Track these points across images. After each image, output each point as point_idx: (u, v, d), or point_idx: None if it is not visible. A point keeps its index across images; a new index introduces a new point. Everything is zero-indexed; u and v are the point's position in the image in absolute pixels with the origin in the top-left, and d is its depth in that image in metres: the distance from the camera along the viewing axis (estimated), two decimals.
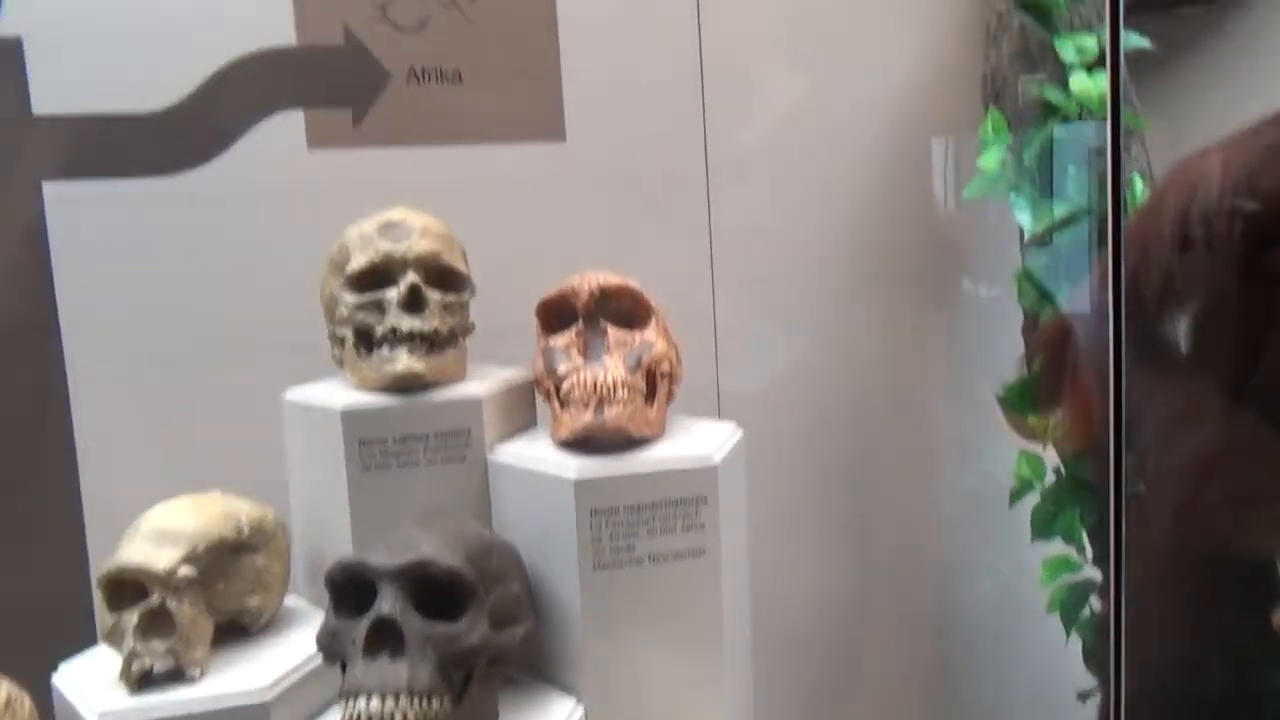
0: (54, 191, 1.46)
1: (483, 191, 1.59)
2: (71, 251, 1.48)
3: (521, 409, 1.30)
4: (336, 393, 1.21)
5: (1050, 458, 1.59)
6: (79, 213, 1.48)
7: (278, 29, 1.48)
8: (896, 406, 1.93)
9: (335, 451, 1.16)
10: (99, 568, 1.04)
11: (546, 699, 1.11)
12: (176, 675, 1.03)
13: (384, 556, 0.97)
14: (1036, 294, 1.49)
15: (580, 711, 1.09)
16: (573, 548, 1.08)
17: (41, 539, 1.53)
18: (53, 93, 1.45)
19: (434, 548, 0.98)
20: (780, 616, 1.76)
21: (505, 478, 1.17)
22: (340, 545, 1.17)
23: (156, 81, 1.47)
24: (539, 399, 1.26)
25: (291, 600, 1.23)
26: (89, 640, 1.27)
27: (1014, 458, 1.60)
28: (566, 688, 1.12)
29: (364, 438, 1.16)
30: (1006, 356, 1.67)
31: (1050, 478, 1.56)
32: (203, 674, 1.04)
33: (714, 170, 1.71)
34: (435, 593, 0.97)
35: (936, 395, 1.95)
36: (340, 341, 1.25)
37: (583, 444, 1.12)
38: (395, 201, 1.28)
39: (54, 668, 1.13)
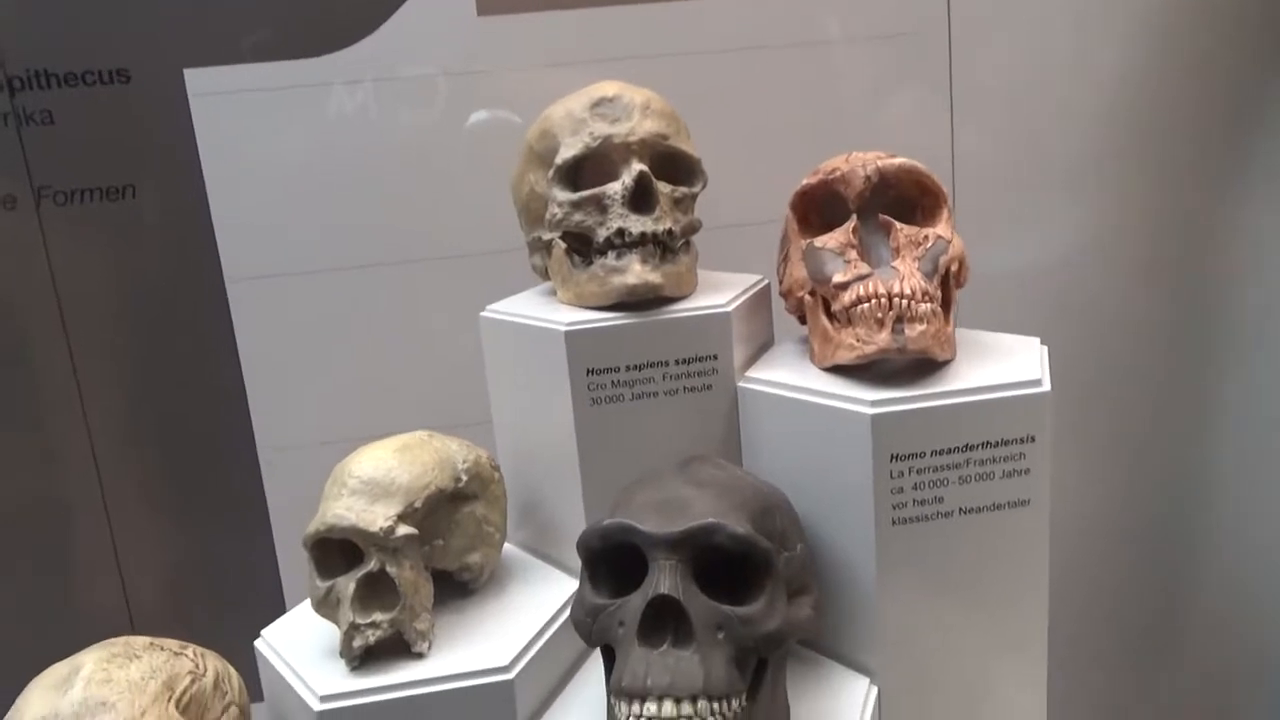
0: (197, 80, 1.27)
1: (687, 55, 1.33)
2: (220, 148, 1.29)
3: (761, 325, 1.07)
4: (549, 309, 1.01)
5: None
6: (225, 104, 1.28)
7: None
8: (1188, 302, 1.60)
9: (557, 382, 0.96)
10: (307, 529, 0.88)
11: (833, 679, 0.92)
12: (400, 648, 0.88)
13: (657, 521, 0.77)
14: None
15: (874, 692, 0.91)
16: (866, 499, 0.87)
17: (208, 468, 1.40)
18: None
19: (714, 508, 0.78)
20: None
21: (765, 411, 0.96)
22: (566, 491, 0.99)
23: None
24: (783, 309, 1.04)
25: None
26: (268, 584, 1.14)
27: None
28: (855, 665, 0.93)
29: (593, 366, 0.95)
30: None
31: None
32: (430, 646, 0.89)
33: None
34: (720, 565, 0.78)
35: (1236, 289, 1.62)
36: (545, 248, 1.04)
37: (865, 369, 0.90)
38: (587, 78, 1.04)
39: (238, 625, 1.00)
